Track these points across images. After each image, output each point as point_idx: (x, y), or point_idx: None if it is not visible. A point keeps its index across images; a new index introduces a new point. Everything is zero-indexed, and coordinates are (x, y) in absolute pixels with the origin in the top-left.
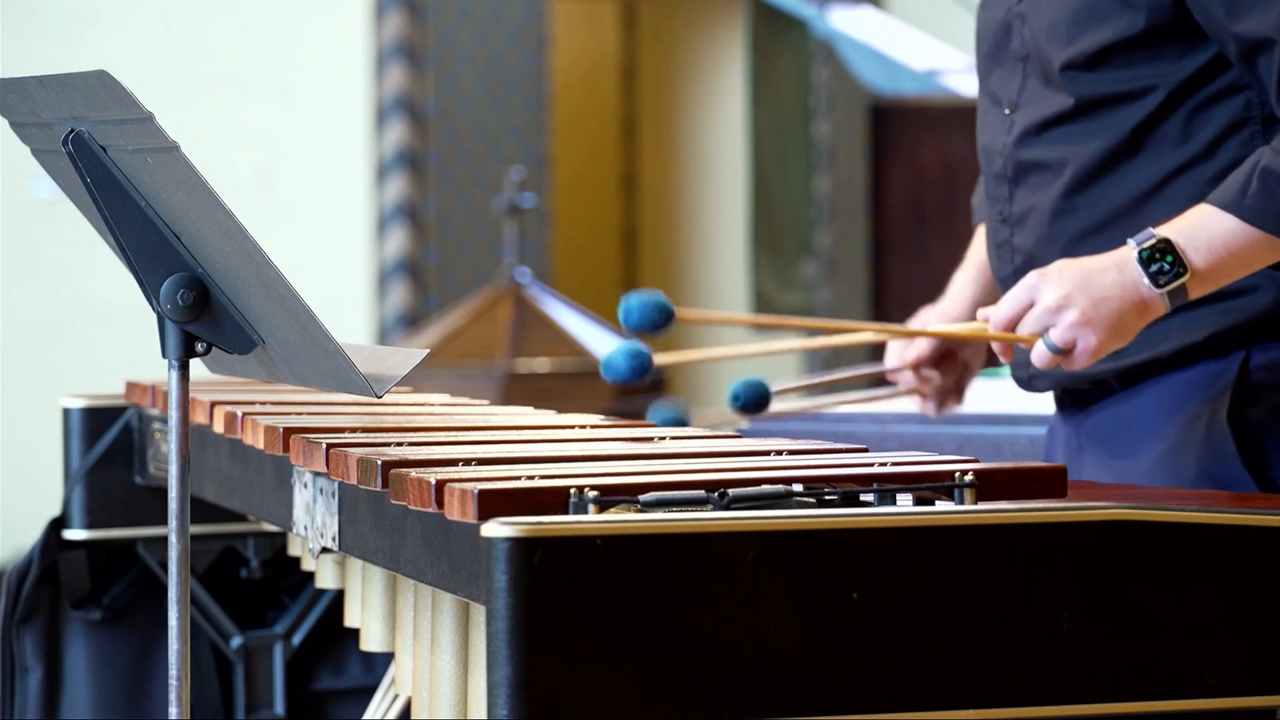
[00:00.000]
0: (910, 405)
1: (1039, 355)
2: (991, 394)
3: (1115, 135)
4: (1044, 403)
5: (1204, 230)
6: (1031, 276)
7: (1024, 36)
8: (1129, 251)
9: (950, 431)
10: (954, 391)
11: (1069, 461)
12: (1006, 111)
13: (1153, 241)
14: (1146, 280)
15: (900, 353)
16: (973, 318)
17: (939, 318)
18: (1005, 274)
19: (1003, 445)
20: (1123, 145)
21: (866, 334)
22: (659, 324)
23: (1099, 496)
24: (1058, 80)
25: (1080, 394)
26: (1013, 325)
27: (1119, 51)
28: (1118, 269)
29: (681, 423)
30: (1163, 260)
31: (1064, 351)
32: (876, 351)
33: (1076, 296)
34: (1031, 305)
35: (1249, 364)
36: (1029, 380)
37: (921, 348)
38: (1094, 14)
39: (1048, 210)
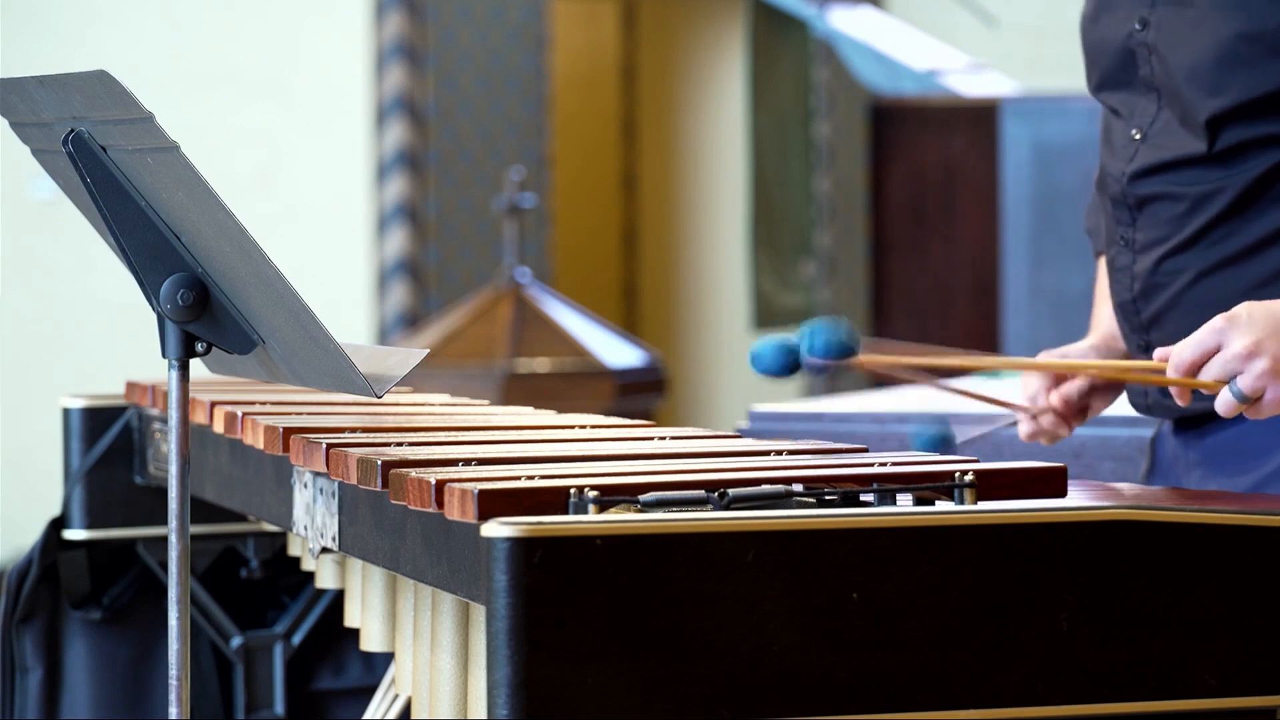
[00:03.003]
0: (911, 405)
1: (1224, 404)
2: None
3: (1250, 176)
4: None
5: None
6: (1219, 320)
7: (1154, 68)
8: None
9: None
10: (1065, 428)
11: (1178, 476)
12: (1136, 135)
13: None
14: None
15: (1036, 394)
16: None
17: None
18: (1124, 299)
19: (1003, 445)
20: (1257, 184)
21: (1034, 370)
22: (790, 368)
23: (1099, 496)
24: (1198, 128)
25: (1200, 418)
26: (1195, 369)
27: (1271, 103)
28: None
29: (946, 439)
30: None
31: (1251, 400)
32: None
33: (1268, 344)
34: (1218, 349)
35: None
36: (1149, 408)
37: (1067, 394)
38: (1240, 61)
39: (1176, 242)
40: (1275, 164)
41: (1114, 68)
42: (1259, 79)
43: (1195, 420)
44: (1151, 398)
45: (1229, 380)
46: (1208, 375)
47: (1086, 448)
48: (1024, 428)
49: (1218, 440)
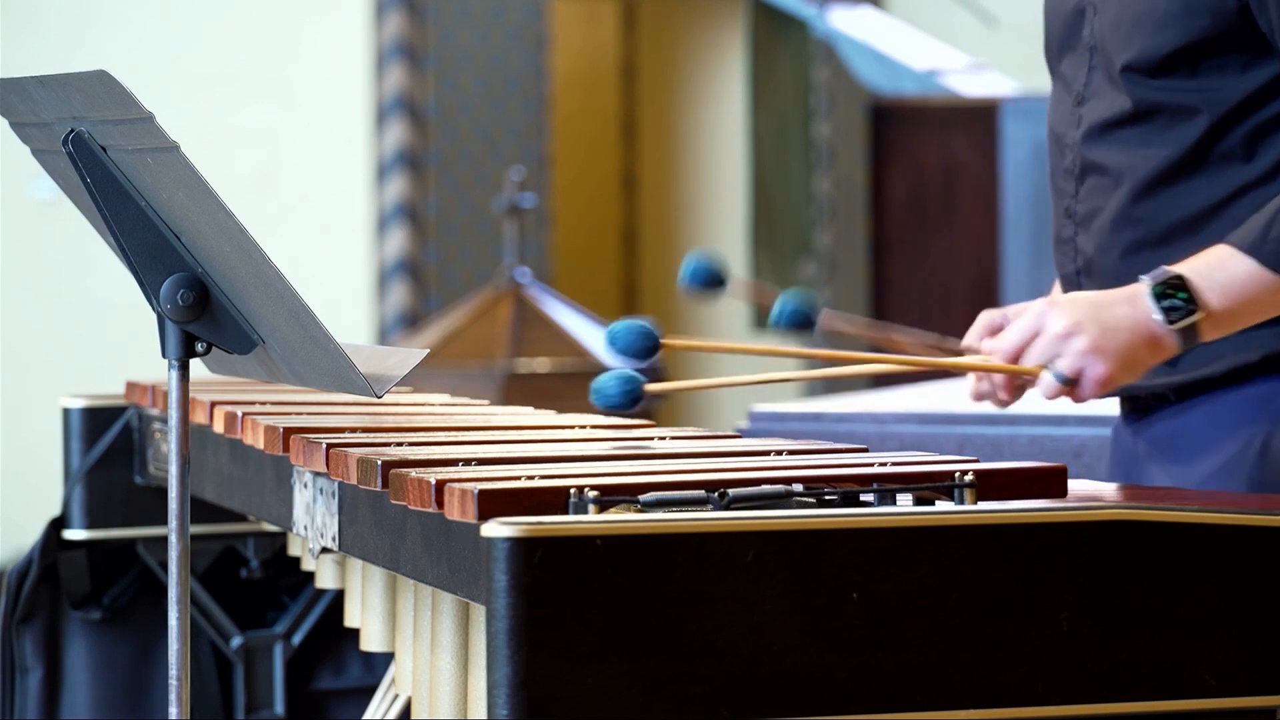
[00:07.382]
0: (910, 405)
1: (1046, 385)
2: None
3: (1177, 147)
4: (1044, 403)
5: (1221, 271)
6: (1039, 304)
7: (1094, 26)
8: (1141, 286)
9: (950, 431)
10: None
11: (1128, 468)
12: (1075, 103)
13: (1167, 277)
14: (1157, 314)
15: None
16: None
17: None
18: (1068, 272)
19: (1003, 445)
20: (1184, 159)
21: (867, 366)
22: (645, 351)
23: (1099, 496)
24: (1118, 80)
25: (1140, 401)
26: (1018, 356)
27: (1182, 59)
28: (1129, 303)
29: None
30: (1175, 297)
31: (1072, 381)
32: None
33: (1086, 324)
34: (1037, 334)
35: None
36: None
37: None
38: (1157, 18)
39: (1110, 216)
40: (1199, 138)
41: (1065, 30)
42: (1169, 35)
43: (1136, 406)
44: None
45: (1049, 363)
46: (1030, 360)
47: (1087, 448)
48: (971, 386)
49: (1162, 430)
